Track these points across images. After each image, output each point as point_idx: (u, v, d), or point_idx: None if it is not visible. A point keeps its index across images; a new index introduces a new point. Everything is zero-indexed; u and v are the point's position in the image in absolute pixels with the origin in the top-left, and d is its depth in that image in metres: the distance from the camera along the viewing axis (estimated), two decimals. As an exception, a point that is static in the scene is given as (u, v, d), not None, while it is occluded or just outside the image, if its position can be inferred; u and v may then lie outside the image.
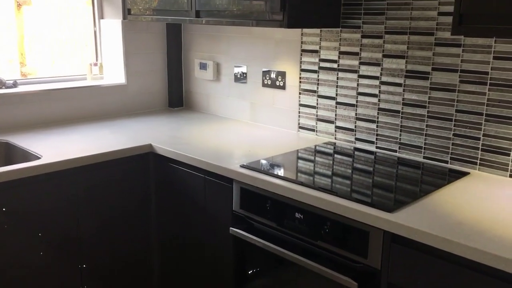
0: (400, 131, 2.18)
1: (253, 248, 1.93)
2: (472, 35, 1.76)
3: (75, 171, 2.10)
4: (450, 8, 1.92)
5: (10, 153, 2.30)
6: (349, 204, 1.63)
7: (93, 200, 2.20)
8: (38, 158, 2.08)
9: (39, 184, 2.02)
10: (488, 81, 1.89)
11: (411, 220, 1.50)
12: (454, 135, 2.02)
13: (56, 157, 2.06)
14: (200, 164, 2.11)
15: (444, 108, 2.03)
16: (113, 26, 2.91)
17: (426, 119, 2.09)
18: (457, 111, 2.00)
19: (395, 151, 2.22)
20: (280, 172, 2.01)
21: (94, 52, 3.06)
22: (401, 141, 2.19)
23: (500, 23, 1.51)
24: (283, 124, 2.65)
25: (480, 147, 1.95)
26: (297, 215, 1.79)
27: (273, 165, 2.07)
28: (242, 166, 1.99)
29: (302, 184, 1.81)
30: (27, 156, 2.16)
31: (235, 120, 2.86)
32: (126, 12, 2.78)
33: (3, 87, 2.57)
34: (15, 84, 2.63)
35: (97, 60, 3.03)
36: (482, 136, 1.94)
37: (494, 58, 1.86)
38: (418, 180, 1.96)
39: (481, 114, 1.93)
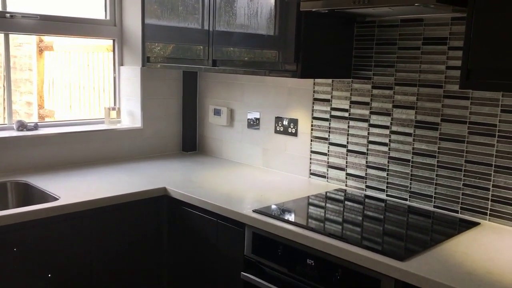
0: (410, 180, 2.22)
1: (264, 294, 1.93)
2: (479, 89, 1.83)
3: (91, 212, 2.15)
4: (458, 63, 2.00)
5: (29, 194, 2.36)
6: (360, 251, 1.65)
7: (107, 241, 2.24)
8: (56, 199, 2.14)
9: (55, 225, 2.06)
10: (496, 133, 1.94)
11: (422, 269, 1.51)
12: (464, 185, 2.05)
13: (74, 199, 2.12)
14: (213, 208, 2.15)
15: (453, 158, 2.08)
16: (132, 73, 3.03)
17: (436, 168, 2.13)
18: (466, 161, 2.04)
19: (405, 199, 2.24)
20: (292, 217, 2.04)
21: (112, 97, 3.17)
22: (412, 190, 2.22)
23: (507, 78, 1.58)
24: (295, 170, 2.69)
25: (490, 197, 1.98)
26: (309, 261, 1.81)
27: (284, 211, 2.10)
28: (255, 211, 2.03)
29: (313, 230, 1.83)
30: (45, 196, 2.22)
31: (248, 165, 2.92)
32: (146, 60, 2.90)
33: (25, 129, 2.66)
34: (36, 127, 2.72)
35: (115, 104, 3.14)
36: (492, 186, 1.97)
37: (502, 111, 1.92)
38: (428, 229, 1.98)
39: (490, 165, 1.97)
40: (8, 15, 2.59)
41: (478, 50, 1.62)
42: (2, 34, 2.64)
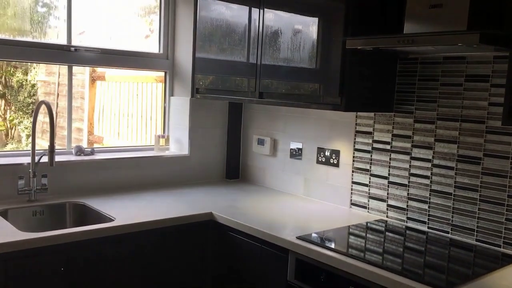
0: (452, 213, 2.25)
1: (306, 319, 1.99)
2: (522, 126, 1.88)
3: (143, 234, 2.28)
4: (501, 99, 2.05)
5: (85, 214, 2.52)
6: (401, 279, 1.70)
7: (155, 263, 2.35)
8: (112, 220, 2.28)
9: (107, 245, 2.19)
10: (539, 169, 1.97)
11: (464, 300, 1.55)
12: (507, 219, 2.07)
13: (128, 220, 2.25)
14: (258, 233, 2.24)
15: (496, 193, 2.11)
16: (181, 103, 3.20)
17: (478, 202, 2.16)
18: (509, 196, 2.06)
19: (447, 232, 2.27)
20: (334, 245, 2.11)
21: (160, 125, 3.35)
22: (453, 223, 2.25)
23: (549, 116, 1.63)
24: (336, 200, 2.76)
25: (533, 232, 1.99)
26: (351, 288, 1.86)
27: (325, 239, 2.17)
28: (298, 238, 2.11)
29: (355, 257, 1.89)
30: (102, 217, 2.37)
31: (289, 194, 3.00)
32: (195, 91, 3.07)
33: (82, 154, 2.85)
34: (92, 152, 2.90)
35: (164, 132, 3.31)
36: (535, 222, 1.99)
37: (545, 147, 1.95)
38: (470, 262, 2.00)
39: (533, 200, 1.99)
40: (72, 48, 2.82)
41: (520, 88, 1.68)
42: (67, 67, 2.86)
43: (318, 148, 2.85)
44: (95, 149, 3.01)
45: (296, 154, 2.99)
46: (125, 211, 2.41)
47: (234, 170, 3.36)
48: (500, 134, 2.09)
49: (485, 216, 2.14)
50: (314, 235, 2.18)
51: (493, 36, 1.77)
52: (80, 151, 2.84)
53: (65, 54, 2.80)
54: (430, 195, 2.33)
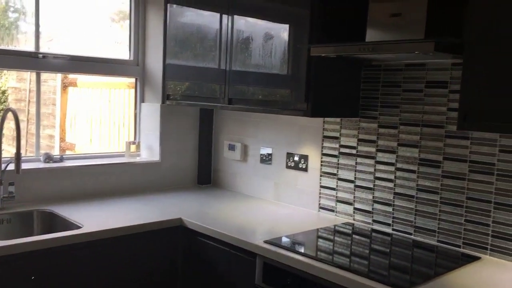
0: (415, 215, 2.32)
1: (273, 322, 2.02)
2: (475, 130, 1.95)
3: (111, 241, 2.28)
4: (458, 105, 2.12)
5: (53, 222, 2.51)
6: (367, 282, 1.75)
7: (125, 269, 2.36)
8: (79, 227, 2.28)
9: (75, 252, 2.18)
10: (495, 172, 2.05)
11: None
12: (466, 220, 2.15)
13: (96, 227, 2.26)
14: (226, 238, 2.27)
15: (455, 195, 2.18)
16: (152, 109, 3.21)
17: (439, 204, 2.24)
18: (467, 198, 2.14)
19: (410, 233, 2.34)
20: (301, 249, 2.15)
21: (132, 132, 3.35)
22: (416, 225, 2.32)
23: (501, 120, 1.71)
24: (305, 204, 2.81)
25: (491, 233, 2.07)
26: (316, 290, 1.90)
27: (294, 242, 2.21)
28: (266, 242, 2.14)
29: (322, 261, 1.94)
30: (68, 225, 2.36)
31: (260, 199, 3.04)
32: (165, 97, 3.09)
33: (51, 161, 2.83)
34: (61, 159, 2.89)
35: (135, 139, 3.31)
36: (492, 223, 2.07)
37: (500, 150, 2.03)
38: (432, 263, 2.07)
39: (490, 202, 2.07)
40: (40, 55, 2.81)
41: (474, 93, 1.76)
42: (34, 73, 2.85)
43: (287, 153, 2.90)
44: (64, 156, 2.99)
45: (266, 159, 3.03)
46: (93, 218, 2.41)
47: (206, 175, 3.39)
48: (458, 138, 2.17)
49: (445, 217, 2.22)
50: (282, 239, 2.21)
51: (449, 44, 1.84)
52: (48, 158, 2.83)
53: (33, 61, 2.79)
54: (394, 198, 2.40)
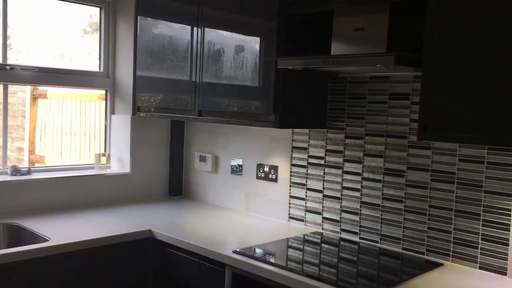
0: (381, 223, 2.38)
1: (242, 331, 2.04)
2: (435, 140, 2.03)
3: (80, 253, 2.26)
4: (420, 116, 2.20)
5: (20, 236, 2.47)
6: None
7: (94, 282, 2.34)
8: (47, 240, 2.25)
9: (43, 266, 2.16)
10: (456, 181, 2.13)
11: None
12: (429, 228, 2.22)
13: (63, 240, 2.23)
14: (195, 249, 2.28)
15: (418, 203, 2.25)
16: (122, 121, 3.21)
17: (403, 212, 2.30)
18: (430, 206, 2.21)
19: (377, 242, 2.39)
20: (271, 259, 2.17)
21: (103, 144, 3.33)
22: (382, 233, 2.37)
23: (459, 131, 1.78)
24: (275, 214, 2.84)
25: (452, 240, 2.14)
26: (284, 299, 1.93)
27: (264, 252, 2.24)
28: (235, 252, 2.16)
29: (291, 270, 1.97)
30: (36, 238, 2.33)
31: (230, 209, 3.06)
32: (136, 109, 3.09)
33: (18, 174, 2.80)
34: (29, 172, 2.86)
35: (105, 151, 3.29)
36: (453, 230, 2.14)
37: (459, 160, 2.11)
38: (397, 270, 2.12)
39: (451, 209, 2.14)
40: (8, 67, 2.78)
41: (433, 105, 1.83)
42: (2, 85, 2.82)
43: (257, 164, 2.93)
44: (33, 168, 2.96)
45: (236, 170, 3.06)
46: (61, 231, 2.39)
47: (177, 187, 3.39)
48: (420, 148, 2.24)
49: (409, 225, 2.28)
50: (251, 249, 2.24)
51: (409, 57, 1.92)
52: (15, 171, 2.79)
53: (0, 73, 2.76)
54: (361, 207, 2.45)
